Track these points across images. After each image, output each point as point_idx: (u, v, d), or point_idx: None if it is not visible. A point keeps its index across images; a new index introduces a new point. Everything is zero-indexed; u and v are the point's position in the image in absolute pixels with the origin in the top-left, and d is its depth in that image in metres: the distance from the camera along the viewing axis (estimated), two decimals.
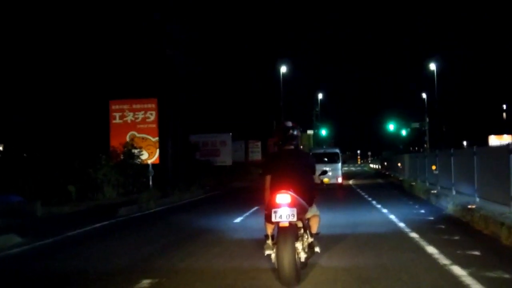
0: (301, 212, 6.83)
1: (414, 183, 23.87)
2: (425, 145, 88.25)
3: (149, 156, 28.09)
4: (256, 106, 70.50)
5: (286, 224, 6.54)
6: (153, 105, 28.41)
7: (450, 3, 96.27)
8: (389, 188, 27.20)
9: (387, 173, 39.15)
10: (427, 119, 69.16)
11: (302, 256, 6.83)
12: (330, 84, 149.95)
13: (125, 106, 28.50)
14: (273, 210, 6.61)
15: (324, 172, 8.86)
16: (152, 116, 28.33)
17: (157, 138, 28.37)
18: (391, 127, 71.09)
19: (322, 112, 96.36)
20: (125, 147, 26.76)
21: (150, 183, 26.95)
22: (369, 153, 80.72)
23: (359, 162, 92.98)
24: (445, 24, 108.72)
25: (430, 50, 74.17)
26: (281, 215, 6.53)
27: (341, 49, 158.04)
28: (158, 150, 28.31)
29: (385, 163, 42.11)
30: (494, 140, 64.65)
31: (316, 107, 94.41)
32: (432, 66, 62.38)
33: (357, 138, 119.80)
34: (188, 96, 36.75)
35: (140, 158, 27.35)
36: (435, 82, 61.61)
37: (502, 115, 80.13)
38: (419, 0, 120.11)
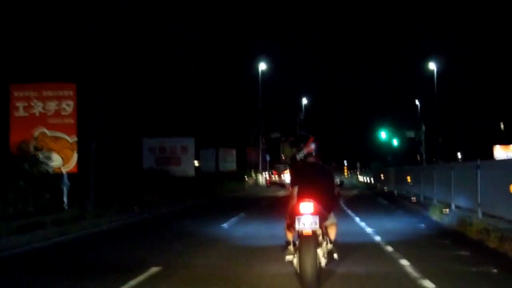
0: (322, 220, 7.26)
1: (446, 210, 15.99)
2: (418, 157, 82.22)
3: (64, 163, 20.54)
4: (231, 109, 63.09)
5: (310, 232, 6.98)
6: (71, 93, 20.71)
7: (448, 5, 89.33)
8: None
9: (385, 188, 31.71)
10: (423, 128, 62.17)
11: (323, 261, 7.29)
12: (315, 90, 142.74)
13: (32, 93, 20.72)
14: (296, 218, 7.04)
15: (341, 184, 8.95)
16: (69, 107, 20.65)
17: (75, 138, 20.74)
18: (382, 135, 63.98)
19: (307, 119, 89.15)
20: (19, 148, 19.06)
21: (65, 199, 19.40)
22: (358, 164, 73.22)
23: (346, 175, 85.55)
24: (443, 25, 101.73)
25: (426, 53, 67.75)
26: (304, 223, 6.96)
27: (328, 52, 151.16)
28: (76, 155, 20.70)
29: (382, 176, 34.61)
30: (500, 152, 57.75)
31: (300, 114, 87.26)
32: (432, 66, 55.50)
33: (344, 147, 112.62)
34: (135, 83, 29.44)
35: (48, 165, 19.77)
36: (435, 83, 54.72)
37: (505, 122, 73.37)
38: (412, 2, 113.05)
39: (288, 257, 7.53)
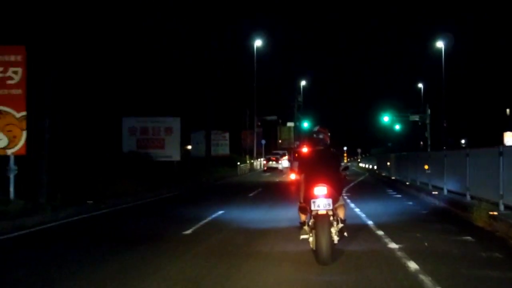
0: (334, 202, 7.95)
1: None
2: (421, 142, 78.60)
3: (10, 144, 16.83)
4: (224, 88, 59.32)
5: (324, 212, 7.73)
6: (20, 57, 16.86)
7: None
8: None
9: (393, 177, 28.05)
10: (429, 111, 58.52)
11: (335, 239, 7.94)
12: (315, 72, 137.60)
13: None
14: (312, 201, 7.80)
15: (346, 168, 9.58)
16: (16, 75, 16.83)
17: (23, 113, 16.97)
18: (385, 119, 60.27)
19: (305, 102, 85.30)
20: None
21: (11, 189, 15.75)
22: (359, 150, 69.59)
23: (346, 161, 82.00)
24: (451, 5, 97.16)
25: (433, 34, 64.04)
26: (319, 205, 7.73)
27: (328, 32, 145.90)
28: (25, 134, 16.96)
29: (388, 163, 30.98)
30: (511, 138, 54.10)
31: (298, 96, 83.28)
32: (440, 44, 51.64)
33: (344, 132, 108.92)
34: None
35: None
36: (443, 63, 50.86)
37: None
38: None
39: (303, 236, 8.24)
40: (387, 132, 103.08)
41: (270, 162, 53.95)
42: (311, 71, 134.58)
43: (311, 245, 8.09)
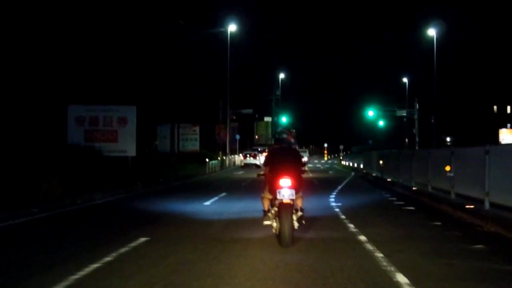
0: (296, 193, 8.86)
1: None
2: (406, 140, 74.36)
3: None
4: (197, 79, 54.43)
5: (288, 201, 8.64)
6: None
7: None
8: None
9: (388, 179, 23.27)
10: (417, 106, 54.09)
11: (295, 225, 8.89)
12: (294, 64, 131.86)
13: None
14: (277, 191, 8.67)
15: (304, 164, 10.28)
16: None
17: None
18: (370, 113, 55.73)
19: (284, 96, 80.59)
20: None
21: None
22: (341, 147, 64.88)
23: (326, 158, 77.45)
24: None
25: (422, 23, 59.89)
26: (284, 194, 8.61)
27: (309, 23, 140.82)
28: None
29: (381, 162, 26.28)
30: (507, 135, 49.96)
31: (276, 90, 78.56)
32: (431, 32, 47.13)
33: (325, 129, 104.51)
34: None
35: None
36: (434, 52, 46.36)
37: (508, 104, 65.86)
38: None
39: (266, 222, 9.23)
40: (369, 129, 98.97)
41: (248, 158, 49.53)
42: (291, 64, 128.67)
43: (274, 230, 8.99)
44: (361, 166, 38.05)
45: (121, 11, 39.05)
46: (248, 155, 50.71)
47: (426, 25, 48.50)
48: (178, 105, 42.69)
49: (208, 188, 22.21)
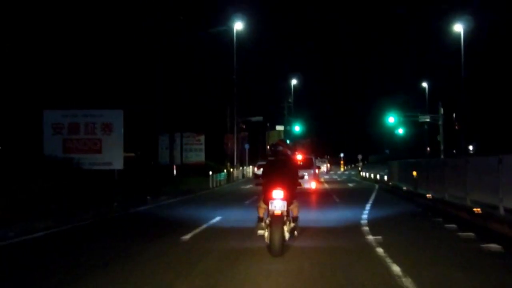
0: (289, 204, 9.11)
1: None
2: (428, 149, 69.38)
3: None
4: (200, 84, 50.10)
5: (279, 213, 8.80)
6: None
7: None
8: None
9: (434, 196, 18.41)
10: (442, 110, 49.30)
11: (287, 236, 9.07)
12: (307, 70, 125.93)
13: None
14: (270, 201, 8.89)
15: (302, 177, 11.99)
16: None
17: None
18: (391, 120, 51.03)
19: (297, 104, 76.06)
20: None
21: None
22: (360, 157, 60.10)
23: (342, 169, 72.60)
24: None
25: (441, 25, 55.28)
26: (275, 206, 8.79)
27: (323, 27, 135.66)
28: None
29: (415, 173, 21.53)
30: None
31: (288, 97, 74.05)
32: (458, 28, 42.44)
33: (340, 137, 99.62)
34: None
35: None
36: (462, 49, 41.63)
37: None
38: None
39: (260, 232, 9.35)
40: (386, 137, 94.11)
41: (261, 170, 44.79)
42: (304, 69, 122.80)
43: (266, 240, 9.07)
44: (385, 177, 33.37)
45: (118, 10, 35.00)
46: (261, 166, 46.04)
47: (452, 21, 43.82)
48: (179, 111, 38.29)
49: (201, 209, 17.75)
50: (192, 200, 22.54)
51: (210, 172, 33.33)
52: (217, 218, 14.21)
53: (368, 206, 17.69)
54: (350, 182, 40.00)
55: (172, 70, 39.38)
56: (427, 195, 18.00)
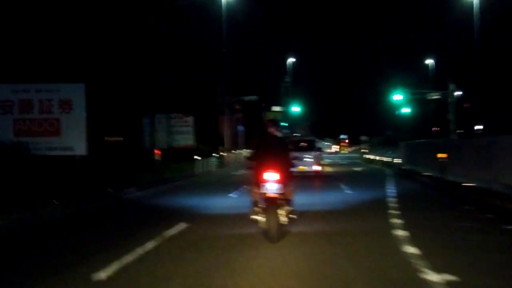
0: (285, 187, 8.47)
1: None
2: (433, 129, 65.08)
3: None
4: (193, 63, 45.65)
5: (274, 196, 8.26)
6: None
7: None
8: None
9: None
10: (451, 87, 44.94)
11: (283, 220, 8.45)
12: (306, 45, 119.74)
13: None
14: (263, 185, 8.31)
15: (296, 158, 10.19)
16: None
17: None
18: (397, 97, 46.69)
19: (295, 82, 71.49)
20: None
21: None
22: (363, 138, 55.52)
23: (346, 151, 68.18)
24: None
25: None
26: (269, 189, 8.25)
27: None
28: None
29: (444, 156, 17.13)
30: None
31: (285, 77, 69.47)
32: None
33: (340, 118, 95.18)
34: None
35: None
36: (474, 19, 37.16)
37: None
38: None
39: (254, 216, 8.66)
40: (388, 118, 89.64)
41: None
42: (301, 48, 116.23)
43: (262, 225, 8.45)
44: (395, 160, 29.12)
45: None
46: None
47: None
48: (162, 89, 34.00)
49: (168, 207, 13.46)
50: (165, 192, 18.21)
51: (196, 157, 29.06)
52: (180, 227, 9.88)
53: (391, 199, 13.42)
54: (356, 166, 35.82)
55: (154, 39, 35.10)
56: (464, 183, 13.67)
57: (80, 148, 20.03)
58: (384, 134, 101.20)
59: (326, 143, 76.15)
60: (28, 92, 20.05)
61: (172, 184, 21.44)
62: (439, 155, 17.19)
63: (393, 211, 11.38)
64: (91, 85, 21.53)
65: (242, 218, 9.74)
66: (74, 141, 20.00)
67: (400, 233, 8.68)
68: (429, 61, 62.38)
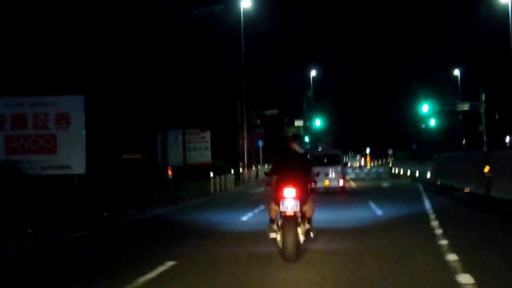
0: (303, 204, 7.98)
1: None
2: (464, 140, 62.23)
3: None
4: (214, 76, 43.93)
5: (292, 213, 7.81)
6: None
7: None
8: None
9: None
10: (483, 97, 42.32)
11: (301, 238, 8.04)
12: (327, 58, 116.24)
13: None
14: (280, 201, 7.86)
15: (317, 174, 10.20)
16: None
17: None
18: (425, 108, 44.12)
19: (316, 97, 69.31)
20: None
21: None
22: (390, 152, 53.01)
23: (369, 165, 65.60)
24: None
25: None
26: (287, 206, 7.77)
27: (344, 11, 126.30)
28: None
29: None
30: None
31: (308, 90, 67.37)
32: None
33: (364, 132, 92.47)
34: None
35: None
36: (510, 24, 34.70)
37: None
38: None
39: (272, 234, 8.17)
40: (413, 132, 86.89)
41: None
42: (323, 59, 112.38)
43: (278, 244, 8.04)
44: (427, 175, 26.70)
45: None
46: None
47: None
48: (178, 104, 32.15)
49: (165, 239, 11.28)
50: (171, 215, 16.06)
51: (211, 174, 26.95)
52: (163, 268, 7.68)
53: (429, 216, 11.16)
54: (382, 180, 33.43)
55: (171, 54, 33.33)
56: None
57: (78, 166, 18.12)
58: (409, 148, 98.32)
59: (356, 157, 73.83)
60: (21, 106, 18.22)
61: (183, 205, 19.31)
62: (487, 169, 14.76)
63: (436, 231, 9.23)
64: (100, 97, 19.73)
65: (252, 256, 7.80)
66: (72, 159, 18.10)
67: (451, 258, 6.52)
68: (456, 72, 59.94)
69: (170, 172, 32.45)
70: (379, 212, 14.31)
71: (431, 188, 21.95)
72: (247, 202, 19.66)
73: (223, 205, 18.77)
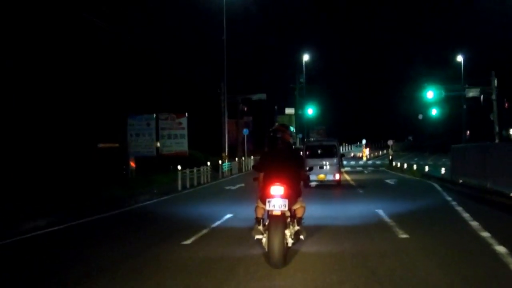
0: (292, 203, 7.26)
1: None
2: (467, 132, 57.54)
3: None
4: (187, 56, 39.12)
5: (278, 213, 7.02)
6: None
7: None
8: None
9: None
10: (495, 82, 37.54)
11: (289, 241, 7.27)
12: (320, 42, 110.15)
13: None
14: (267, 200, 7.05)
15: (311, 169, 9.54)
16: None
17: None
18: (429, 95, 39.32)
19: (309, 83, 64.32)
20: None
21: None
22: (390, 143, 48.19)
23: (364, 157, 60.87)
24: None
25: None
26: (274, 205, 6.99)
27: None
28: None
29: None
30: None
31: (299, 76, 62.36)
32: None
33: (359, 122, 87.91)
34: None
35: None
36: None
37: None
38: None
39: (257, 236, 7.42)
40: (408, 123, 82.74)
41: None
42: (317, 42, 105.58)
43: (264, 246, 7.36)
44: (442, 170, 21.87)
45: None
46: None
47: None
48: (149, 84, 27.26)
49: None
50: (91, 228, 11.18)
51: (179, 167, 22.10)
52: None
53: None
54: (383, 174, 28.92)
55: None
56: None
57: None
58: (404, 140, 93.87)
59: (357, 148, 69.40)
60: None
61: (127, 209, 14.42)
62: None
63: None
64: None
65: None
66: None
67: None
68: (460, 58, 55.26)
69: (133, 164, 27.62)
70: (402, 236, 9.44)
71: (454, 188, 16.97)
72: (215, 204, 14.76)
73: (177, 211, 13.76)
